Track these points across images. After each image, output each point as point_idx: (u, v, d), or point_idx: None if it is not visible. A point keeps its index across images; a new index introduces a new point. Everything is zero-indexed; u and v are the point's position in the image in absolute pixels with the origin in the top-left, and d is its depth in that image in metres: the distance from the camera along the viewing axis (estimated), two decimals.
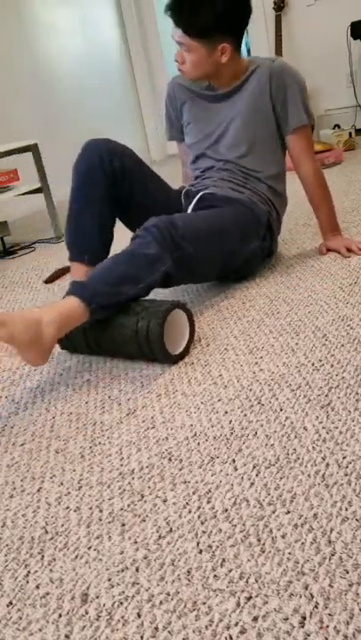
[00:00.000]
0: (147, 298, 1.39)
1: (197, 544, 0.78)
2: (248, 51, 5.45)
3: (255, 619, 0.66)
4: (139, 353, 1.31)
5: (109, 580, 0.75)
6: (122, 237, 1.87)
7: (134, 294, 1.34)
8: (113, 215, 1.66)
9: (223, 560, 0.75)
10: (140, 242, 1.39)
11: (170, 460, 0.97)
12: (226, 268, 1.66)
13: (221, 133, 1.74)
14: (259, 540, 0.77)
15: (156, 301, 1.33)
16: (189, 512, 0.84)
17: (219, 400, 1.13)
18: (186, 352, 1.34)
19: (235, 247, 1.63)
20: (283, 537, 0.76)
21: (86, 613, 0.71)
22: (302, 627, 0.64)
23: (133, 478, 0.94)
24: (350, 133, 3.72)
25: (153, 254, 1.37)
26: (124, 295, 1.32)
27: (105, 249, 1.65)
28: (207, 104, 1.75)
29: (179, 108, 1.82)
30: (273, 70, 1.66)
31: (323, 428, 0.98)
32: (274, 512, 0.81)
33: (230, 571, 0.73)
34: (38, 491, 0.96)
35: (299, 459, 0.91)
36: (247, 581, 0.71)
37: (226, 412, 1.08)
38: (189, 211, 1.69)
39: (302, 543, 0.75)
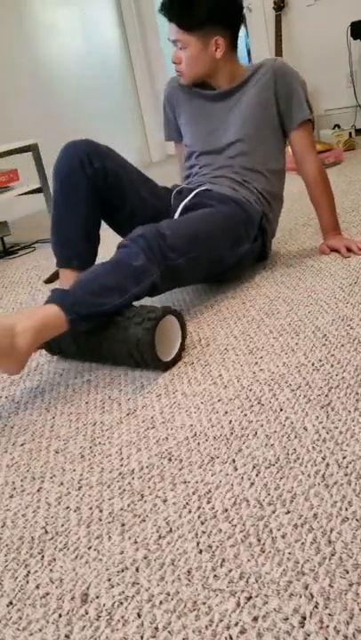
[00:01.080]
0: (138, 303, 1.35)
1: (197, 544, 0.78)
2: (248, 51, 5.44)
3: (255, 619, 0.66)
4: (130, 360, 1.29)
5: (109, 580, 0.75)
6: (112, 238, 1.85)
7: (118, 305, 1.28)
8: (98, 218, 1.63)
9: (223, 560, 0.75)
10: (126, 252, 1.35)
11: (170, 459, 0.97)
12: (214, 272, 1.63)
13: (222, 130, 1.73)
14: (259, 540, 0.77)
15: (147, 307, 1.30)
16: (189, 512, 0.84)
17: (219, 400, 1.13)
18: (178, 358, 1.32)
19: (225, 252, 1.59)
20: (283, 537, 0.76)
21: (86, 613, 0.71)
22: (302, 627, 0.64)
23: (133, 478, 0.94)
24: (350, 133, 3.73)
25: (140, 266, 1.33)
26: (107, 306, 1.27)
27: (92, 253, 1.62)
28: (206, 103, 1.75)
29: (175, 109, 1.82)
30: (276, 68, 1.67)
31: (323, 427, 0.98)
32: (274, 512, 0.81)
33: (230, 571, 0.73)
34: (38, 491, 0.96)
35: (299, 459, 0.91)
36: (247, 581, 0.71)
37: (226, 412, 1.08)
38: (180, 209, 1.66)
39: (302, 543, 0.75)
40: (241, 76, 1.70)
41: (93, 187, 1.57)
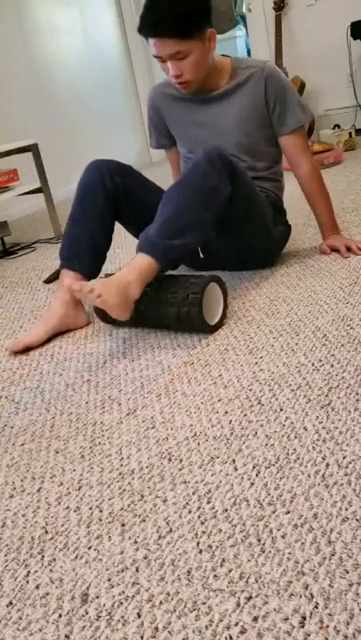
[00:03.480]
0: (184, 274, 1.48)
1: (197, 544, 0.78)
2: (248, 51, 5.44)
3: (255, 619, 0.66)
4: (179, 326, 1.44)
5: (109, 580, 0.75)
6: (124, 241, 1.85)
7: (199, 242, 1.48)
8: (108, 231, 1.67)
9: (223, 560, 0.75)
10: (196, 171, 1.46)
11: (170, 460, 0.97)
12: (262, 248, 1.76)
13: (220, 134, 1.71)
14: (259, 540, 0.77)
15: (188, 281, 1.43)
16: (189, 512, 0.84)
17: (219, 400, 1.13)
18: (221, 323, 1.47)
19: (268, 222, 1.71)
20: (283, 537, 0.76)
21: (86, 613, 0.71)
22: (302, 627, 0.64)
23: (133, 478, 0.94)
24: (350, 133, 3.72)
25: (212, 187, 1.46)
26: (187, 246, 1.44)
27: (95, 259, 1.66)
28: (198, 106, 1.73)
29: (163, 115, 1.80)
30: (268, 73, 1.65)
31: (323, 428, 0.98)
32: (274, 512, 0.81)
33: (230, 571, 0.73)
34: (38, 491, 0.96)
35: (299, 459, 0.91)
36: (247, 581, 0.71)
37: (226, 412, 1.08)
38: None
39: (302, 543, 0.75)
40: (228, 74, 1.67)
41: (110, 202, 1.65)
